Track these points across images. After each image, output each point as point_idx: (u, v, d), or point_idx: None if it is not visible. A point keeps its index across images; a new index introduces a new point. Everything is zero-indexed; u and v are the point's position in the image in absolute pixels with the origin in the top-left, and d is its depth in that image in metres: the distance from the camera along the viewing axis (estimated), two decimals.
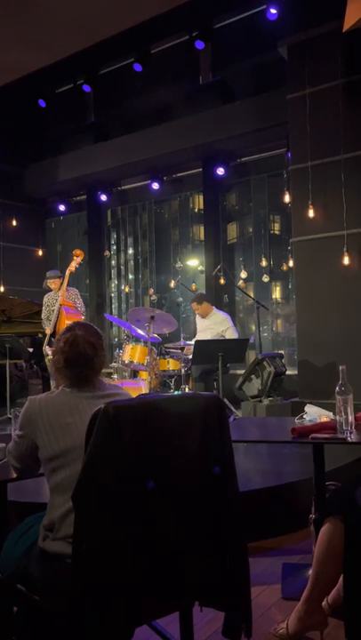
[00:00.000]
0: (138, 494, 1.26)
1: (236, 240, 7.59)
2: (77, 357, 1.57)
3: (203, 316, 5.57)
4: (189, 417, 1.38)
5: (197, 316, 5.66)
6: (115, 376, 5.56)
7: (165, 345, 5.68)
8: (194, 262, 7.96)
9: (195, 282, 7.36)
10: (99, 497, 1.25)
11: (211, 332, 5.43)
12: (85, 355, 1.58)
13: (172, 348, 5.62)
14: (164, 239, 8.09)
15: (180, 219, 7.87)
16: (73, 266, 5.28)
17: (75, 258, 5.29)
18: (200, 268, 7.63)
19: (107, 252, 8.31)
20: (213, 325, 5.44)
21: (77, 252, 5.29)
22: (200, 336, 5.48)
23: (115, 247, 8.93)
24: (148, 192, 7.73)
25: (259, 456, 3.58)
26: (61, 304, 5.09)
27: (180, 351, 5.36)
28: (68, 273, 5.26)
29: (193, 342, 5.05)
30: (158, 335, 5.59)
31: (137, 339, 5.72)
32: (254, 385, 4.99)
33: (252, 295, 6.66)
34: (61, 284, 5.24)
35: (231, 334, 5.36)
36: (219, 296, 7.02)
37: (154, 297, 7.77)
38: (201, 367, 5.13)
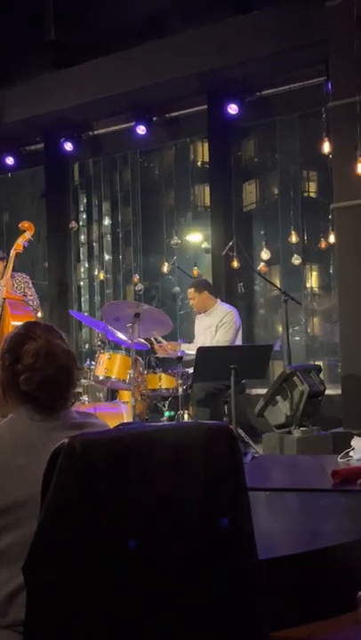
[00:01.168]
0: (114, 560, 1.27)
1: (256, 206, 7.61)
2: (59, 375, 1.59)
3: (200, 311, 5.59)
4: (188, 454, 1.39)
5: (196, 313, 5.69)
6: (85, 398, 5.57)
7: (156, 354, 5.69)
8: (196, 237, 7.96)
9: (197, 265, 7.38)
10: (60, 567, 1.26)
11: (210, 335, 5.46)
12: (68, 370, 1.60)
13: (166, 358, 5.63)
14: (155, 205, 8.09)
15: (177, 176, 7.89)
16: (20, 243, 5.00)
17: (23, 233, 5.07)
18: (204, 245, 7.64)
19: (73, 224, 8.33)
20: (213, 326, 5.48)
21: (26, 224, 5.03)
22: (200, 341, 5.49)
23: (85, 216, 8.93)
24: (130, 139, 7.72)
25: (286, 509, 3.59)
26: (4, 297, 4.87)
27: (176, 363, 5.37)
28: (13, 253, 4.99)
29: (194, 350, 5.07)
30: (146, 340, 5.60)
31: (116, 345, 5.73)
32: (281, 410, 5.00)
33: (277, 284, 6.68)
34: (5, 268, 5.00)
35: (223, 334, 5.34)
36: (231, 285, 7.05)
37: (140, 286, 7.79)
38: (206, 385, 5.14)
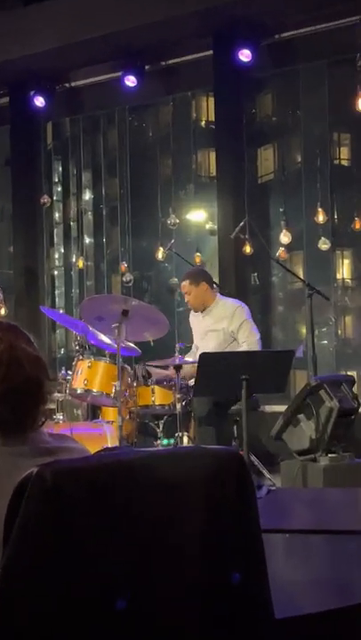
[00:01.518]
0: (99, 623, 1.26)
1: (273, 177, 7.60)
2: (25, 388, 1.59)
3: (198, 309, 5.60)
4: (187, 489, 1.39)
5: (192, 312, 5.71)
6: (59, 416, 5.57)
7: (149, 362, 5.70)
8: (199, 216, 7.96)
9: (200, 250, 7.39)
10: (27, 634, 1.26)
11: (215, 338, 5.47)
12: (36, 381, 1.61)
13: (161, 368, 5.64)
14: (148, 175, 8.09)
15: (176, 139, 7.89)
16: None
17: None
18: (209, 226, 7.64)
19: (45, 198, 8.32)
20: (218, 324, 5.49)
21: None
22: (201, 346, 5.51)
23: (59, 189, 8.91)
24: (117, 93, 7.72)
25: (310, 556, 3.60)
26: None
27: (173, 373, 5.37)
28: None
29: (195, 358, 5.06)
30: (136, 345, 5.61)
31: (98, 350, 5.72)
32: (304, 431, 5.01)
33: (300, 274, 6.67)
34: None
35: (249, 335, 5.39)
36: (242, 276, 7.05)
37: (128, 277, 7.80)
38: (210, 401, 5.15)
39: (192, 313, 5.77)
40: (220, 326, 5.47)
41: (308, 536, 3.77)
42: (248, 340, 5.40)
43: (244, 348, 5.35)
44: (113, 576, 1.29)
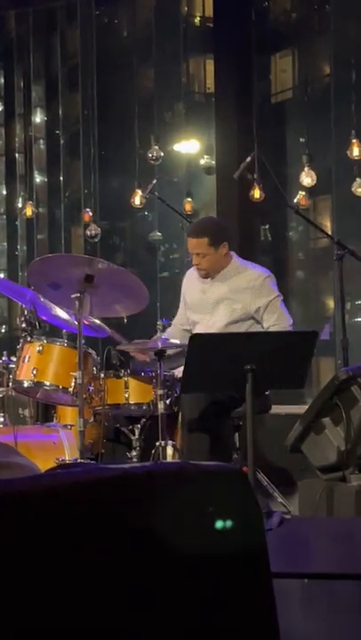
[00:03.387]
0: None
1: (292, 94, 7.56)
2: None
3: (208, 276, 5.57)
4: (171, 522, 1.40)
5: (192, 276, 5.69)
6: None
7: (120, 346, 5.70)
8: (190, 147, 7.92)
9: (191, 194, 7.36)
10: None
11: (229, 313, 5.48)
12: None
13: (137, 352, 5.65)
14: (121, 90, 8.05)
15: (160, 42, 7.82)
16: None
17: None
18: (204, 161, 7.61)
19: None
20: (237, 295, 5.49)
21: None
22: (201, 322, 5.51)
23: (1, 108, 8.86)
24: None
25: (335, 607, 3.64)
26: None
27: (154, 360, 5.38)
28: None
29: (183, 341, 5.06)
30: (103, 322, 5.61)
31: (52, 329, 5.71)
32: (330, 441, 5.03)
33: (327, 228, 6.67)
34: None
35: (279, 318, 5.41)
36: (249, 230, 7.05)
37: (94, 229, 7.77)
38: (204, 399, 5.16)
39: (189, 276, 5.72)
40: (239, 299, 5.42)
41: (333, 582, 3.81)
42: (278, 326, 5.36)
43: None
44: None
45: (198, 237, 5.45)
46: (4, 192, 8.81)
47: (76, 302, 5.04)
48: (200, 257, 5.44)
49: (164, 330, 5.42)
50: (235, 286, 5.46)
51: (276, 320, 5.37)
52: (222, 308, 5.47)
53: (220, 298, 5.49)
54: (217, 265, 5.47)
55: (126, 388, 5.44)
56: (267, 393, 5.26)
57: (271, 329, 5.34)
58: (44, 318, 5.64)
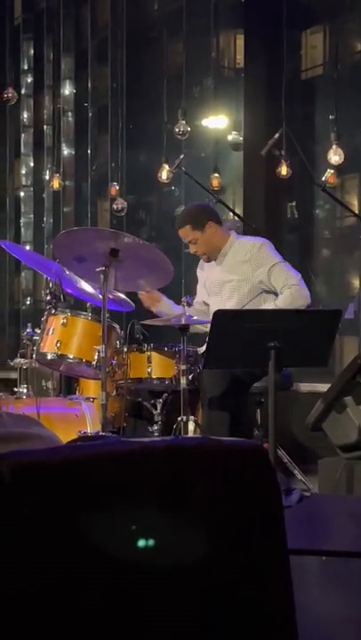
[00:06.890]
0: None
1: (323, 71, 7.51)
2: None
3: (212, 258, 5.59)
4: (190, 495, 1.40)
5: (200, 263, 5.76)
6: (22, 390, 5.60)
7: (145, 320, 5.71)
8: (218, 122, 7.88)
9: (218, 170, 7.36)
10: None
11: (236, 291, 5.52)
12: None
13: (144, 296, 5.70)
14: (149, 64, 8.01)
15: (190, 16, 7.78)
16: None
17: None
18: (232, 136, 7.57)
19: (10, 92, 8.27)
20: (236, 271, 5.53)
21: None
22: (212, 305, 5.56)
23: (29, 80, 8.84)
24: None
25: (354, 585, 3.64)
26: None
27: (176, 335, 5.39)
28: None
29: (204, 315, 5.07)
30: (129, 297, 5.64)
31: (77, 302, 5.71)
32: (351, 420, 5.02)
33: (355, 207, 6.63)
34: None
35: (287, 277, 5.41)
36: (276, 207, 7.03)
37: (121, 203, 7.75)
38: (226, 375, 5.18)
39: (201, 265, 5.76)
40: (239, 274, 5.46)
41: (351, 560, 3.80)
42: (288, 284, 5.39)
43: (285, 297, 5.34)
44: (80, 601, 1.31)
45: (181, 227, 5.60)
46: (32, 164, 8.76)
47: (101, 276, 5.04)
48: (192, 245, 5.59)
49: (189, 305, 5.44)
50: (233, 263, 5.53)
51: (285, 281, 5.41)
52: (228, 289, 5.54)
53: (224, 276, 5.54)
54: (211, 246, 5.56)
55: (149, 362, 5.47)
56: (288, 370, 5.26)
57: (284, 291, 5.39)
58: (68, 291, 5.65)
